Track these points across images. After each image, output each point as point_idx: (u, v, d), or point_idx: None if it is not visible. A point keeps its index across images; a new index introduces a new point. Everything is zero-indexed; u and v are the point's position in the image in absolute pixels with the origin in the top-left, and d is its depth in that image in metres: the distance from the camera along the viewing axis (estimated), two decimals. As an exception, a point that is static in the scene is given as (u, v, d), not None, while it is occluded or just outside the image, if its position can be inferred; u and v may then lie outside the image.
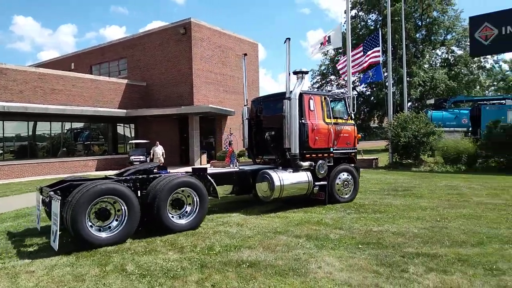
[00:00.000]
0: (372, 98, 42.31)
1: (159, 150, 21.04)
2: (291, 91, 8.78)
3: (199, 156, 25.76)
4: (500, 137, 16.06)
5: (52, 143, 23.23)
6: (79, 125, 25.02)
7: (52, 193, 6.00)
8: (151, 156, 21.43)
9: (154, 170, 7.60)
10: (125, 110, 25.80)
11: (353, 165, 9.99)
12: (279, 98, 9.38)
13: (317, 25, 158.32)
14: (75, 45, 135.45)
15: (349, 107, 10.02)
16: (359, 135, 10.40)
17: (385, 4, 25.56)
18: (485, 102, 26.89)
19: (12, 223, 7.99)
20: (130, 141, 26.64)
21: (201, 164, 25.14)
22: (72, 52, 34.77)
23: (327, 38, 20.12)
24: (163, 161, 20.57)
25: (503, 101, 25.55)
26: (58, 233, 5.61)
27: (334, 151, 9.55)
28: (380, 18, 39.57)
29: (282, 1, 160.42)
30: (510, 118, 19.66)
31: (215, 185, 7.92)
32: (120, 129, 27.33)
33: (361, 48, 20.78)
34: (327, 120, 9.40)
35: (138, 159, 22.92)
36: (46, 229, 7.15)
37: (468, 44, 33.21)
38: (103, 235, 6.01)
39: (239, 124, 10.99)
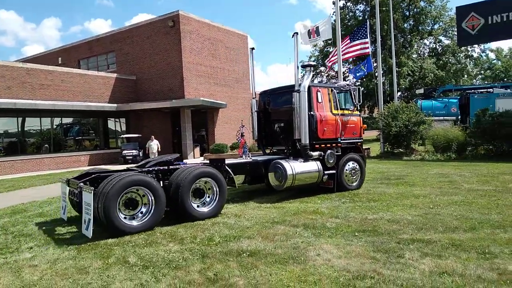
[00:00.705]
0: (362, 88, 42.56)
1: (154, 144, 20.77)
2: (299, 84, 8.97)
3: (192, 150, 25.74)
4: (489, 125, 16.34)
5: (42, 139, 23.03)
6: (69, 120, 24.83)
7: (82, 184, 6.35)
8: (147, 151, 21.22)
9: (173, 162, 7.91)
10: (115, 105, 25.63)
11: (359, 154, 10.26)
12: (286, 91, 9.66)
13: (305, 16, 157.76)
14: (60, 39, 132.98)
15: (354, 99, 10.22)
16: (365, 125, 10.71)
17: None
18: (473, 91, 27.23)
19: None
20: (122, 136, 26.48)
21: (194, 158, 25.16)
22: (59, 47, 34.31)
23: (315, 29, 20.09)
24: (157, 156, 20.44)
25: (491, 90, 25.95)
26: (91, 221, 5.88)
27: (341, 141, 9.84)
28: (368, 9, 39.65)
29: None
30: (498, 106, 19.98)
31: (232, 175, 8.21)
32: (111, 123, 27.19)
33: (348, 39, 20.82)
34: (334, 112, 9.65)
35: (131, 154, 22.79)
36: (70, 219, 7.44)
37: (455, 34, 33.47)
38: (134, 223, 6.36)
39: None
